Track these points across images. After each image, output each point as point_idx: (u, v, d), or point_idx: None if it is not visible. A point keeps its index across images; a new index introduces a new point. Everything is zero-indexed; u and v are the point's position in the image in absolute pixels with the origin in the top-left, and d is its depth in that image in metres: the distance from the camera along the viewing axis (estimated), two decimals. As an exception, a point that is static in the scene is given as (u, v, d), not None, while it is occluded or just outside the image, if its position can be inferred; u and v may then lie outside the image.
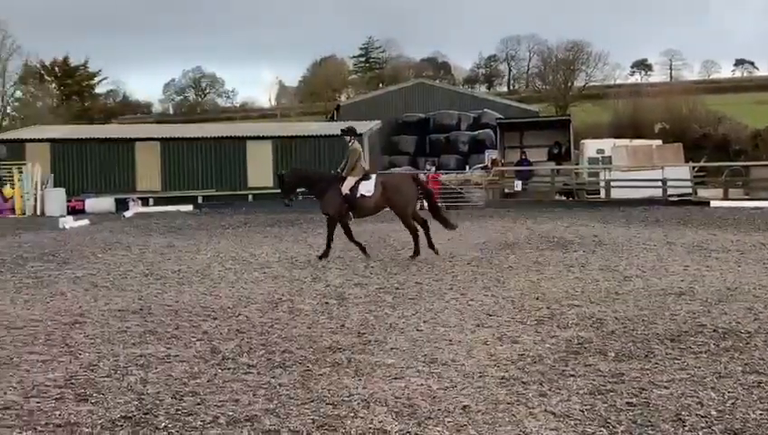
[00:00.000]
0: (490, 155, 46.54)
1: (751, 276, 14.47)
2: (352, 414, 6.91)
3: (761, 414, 6.57)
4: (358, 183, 17.43)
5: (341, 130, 19.20)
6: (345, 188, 17.35)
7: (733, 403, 6.89)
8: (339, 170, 18.17)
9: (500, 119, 49.23)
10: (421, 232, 17.86)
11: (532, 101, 79.19)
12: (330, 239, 17.84)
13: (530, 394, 7.39)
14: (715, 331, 9.94)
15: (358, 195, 17.46)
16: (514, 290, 13.25)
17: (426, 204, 19.25)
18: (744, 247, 19.05)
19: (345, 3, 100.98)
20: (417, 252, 17.64)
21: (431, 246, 17.73)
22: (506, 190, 39.89)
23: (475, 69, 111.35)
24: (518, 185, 39.35)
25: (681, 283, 13.86)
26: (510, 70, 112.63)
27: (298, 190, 19.68)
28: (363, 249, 17.91)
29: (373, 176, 18.17)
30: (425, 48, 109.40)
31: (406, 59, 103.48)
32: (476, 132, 51.64)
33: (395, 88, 63.60)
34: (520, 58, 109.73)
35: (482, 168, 43.61)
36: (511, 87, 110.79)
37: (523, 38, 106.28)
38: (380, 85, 78.97)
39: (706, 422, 6.40)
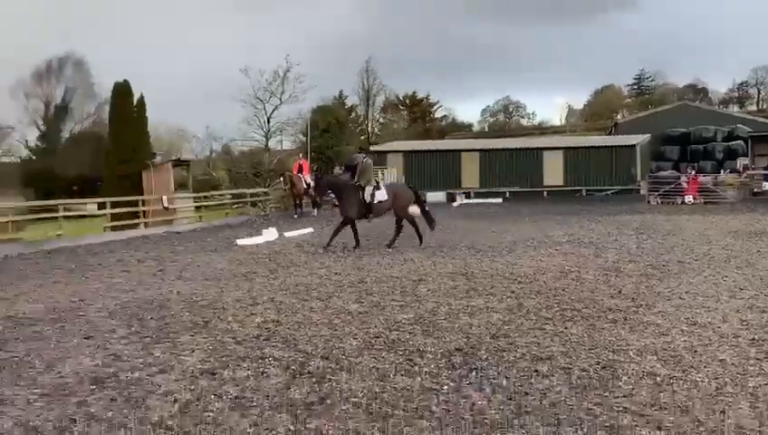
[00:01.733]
0: (742, 161, 43.38)
1: None
2: (629, 360, 6.74)
3: None
4: (374, 191, 16.73)
5: (359, 149, 18.67)
6: (367, 196, 16.57)
7: None
8: (354, 181, 16.93)
9: (751, 132, 45.62)
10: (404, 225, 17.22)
11: (779, 118, 71.73)
12: (355, 235, 16.87)
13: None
14: None
15: (375, 201, 16.67)
16: (763, 270, 12.18)
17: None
18: None
19: (622, 41, 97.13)
20: (420, 239, 16.98)
21: (394, 237, 17.05)
22: (755, 190, 36.78)
23: (728, 93, 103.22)
24: (765, 185, 36.26)
25: None
26: (759, 93, 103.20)
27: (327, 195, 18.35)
28: (358, 242, 16.87)
29: (383, 186, 17.34)
30: (686, 76, 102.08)
31: (671, 85, 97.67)
32: (730, 143, 47.83)
33: (661, 109, 60.09)
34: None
35: (734, 171, 40.63)
36: (759, 106, 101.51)
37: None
38: (649, 107, 74.96)
39: None
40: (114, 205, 26.30)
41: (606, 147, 42.07)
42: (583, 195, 38.40)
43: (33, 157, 50.44)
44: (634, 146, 40.63)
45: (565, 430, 5.03)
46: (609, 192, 38.47)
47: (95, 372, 6.66)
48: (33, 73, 51.53)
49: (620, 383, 6.05)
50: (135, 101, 43.95)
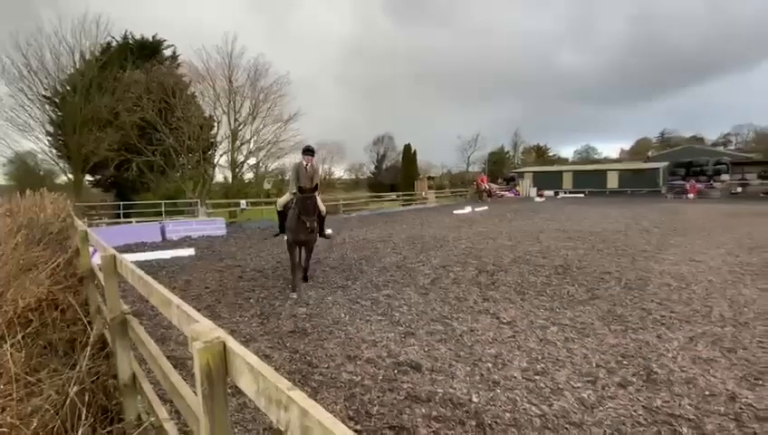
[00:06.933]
0: (724, 177, 33.91)
1: None
2: (654, 277, 5.78)
3: None
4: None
5: (306, 149, 5.41)
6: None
7: None
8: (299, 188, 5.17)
9: (730, 160, 35.54)
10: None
11: None
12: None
13: (747, 279, 5.51)
14: None
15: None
16: (738, 234, 9.49)
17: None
18: None
19: (651, 114, 79.35)
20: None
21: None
22: (731, 191, 28.73)
23: (717, 139, 79.15)
24: (738, 189, 28.25)
25: None
26: (735, 139, 78.41)
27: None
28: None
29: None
30: (691, 131, 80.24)
31: (682, 136, 77.10)
32: (717, 166, 36.64)
33: (675, 148, 47.46)
34: None
35: (717, 181, 31.97)
36: (735, 146, 76.88)
37: None
38: (668, 148, 60.29)
39: None
40: (403, 195, 27.58)
41: (642, 169, 35.46)
42: (629, 194, 32.63)
43: (372, 176, 54.61)
44: (658, 168, 33.76)
45: (619, 307, 4.52)
46: (644, 191, 32.30)
47: (396, 264, 7.00)
48: (372, 141, 55.75)
49: (649, 288, 5.25)
50: (412, 151, 46.17)
